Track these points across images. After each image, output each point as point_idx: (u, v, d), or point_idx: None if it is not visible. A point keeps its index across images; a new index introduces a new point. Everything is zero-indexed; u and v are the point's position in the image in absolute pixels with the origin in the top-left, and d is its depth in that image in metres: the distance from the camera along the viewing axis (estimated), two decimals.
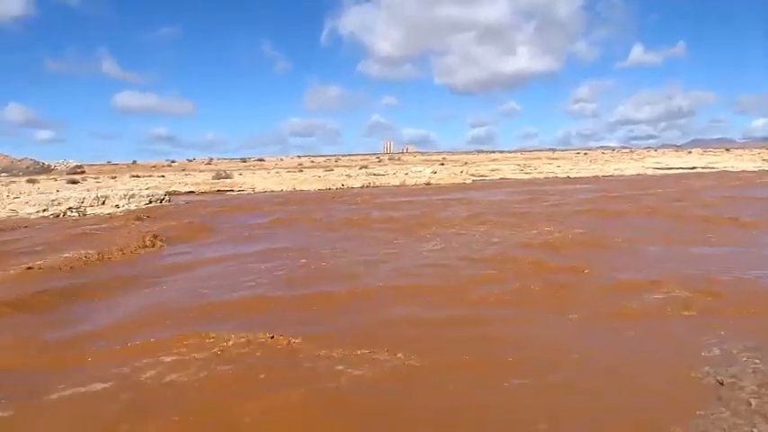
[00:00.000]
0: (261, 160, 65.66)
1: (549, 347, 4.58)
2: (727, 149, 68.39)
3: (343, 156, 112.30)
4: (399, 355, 4.35)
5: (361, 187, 34.06)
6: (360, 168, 45.37)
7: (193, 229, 13.60)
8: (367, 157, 76.77)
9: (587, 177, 40.63)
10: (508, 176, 43.63)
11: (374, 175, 39.11)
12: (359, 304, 5.99)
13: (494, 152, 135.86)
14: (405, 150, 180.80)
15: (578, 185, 29.47)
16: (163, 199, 23.01)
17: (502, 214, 14.01)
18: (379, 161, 60.26)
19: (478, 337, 4.83)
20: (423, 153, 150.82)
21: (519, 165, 56.20)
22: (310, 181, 35.07)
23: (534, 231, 10.96)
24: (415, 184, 36.13)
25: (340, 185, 34.15)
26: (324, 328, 5.10)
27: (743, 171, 44.66)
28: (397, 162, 59.36)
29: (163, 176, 41.65)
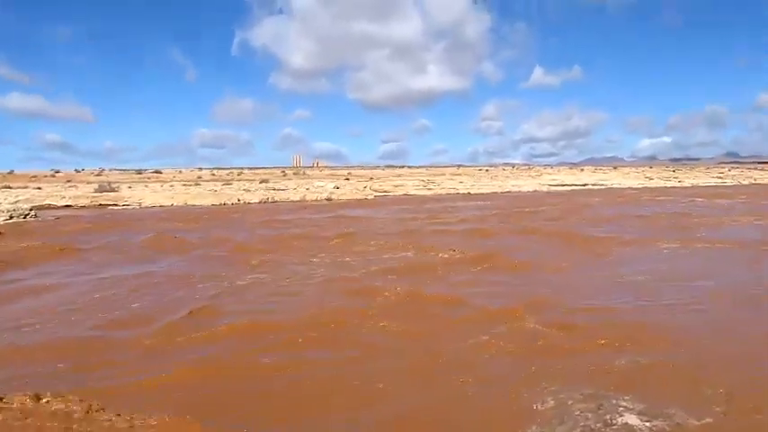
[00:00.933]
0: (158, 172, 62.14)
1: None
2: (615, 167, 73.08)
3: (251, 169, 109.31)
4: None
5: (259, 202, 32.84)
6: (260, 182, 43.92)
7: (45, 251, 12.11)
8: (273, 170, 74.91)
9: (486, 194, 41.59)
10: (411, 192, 43.81)
11: (274, 189, 37.93)
12: (163, 350, 5.16)
13: (403, 167, 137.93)
14: (315, 164, 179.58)
15: (476, 202, 30.03)
16: (28, 214, 20.75)
17: (376, 234, 13.57)
18: (284, 175, 58.92)
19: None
20: (332, 168, 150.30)
21: (423, 181, 56.87)
22: (204, 195, 33.35)
23: (405, 253, 10.58)
24: (316, 200, 35.37)
25: (236, 200, 32.72)
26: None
27: (628, 188, 47.71)
28: (303, 176, 58.35)
29: (39, 188, 38.14)
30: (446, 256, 10.43)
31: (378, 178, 58.69)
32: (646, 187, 49.51)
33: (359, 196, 37.99)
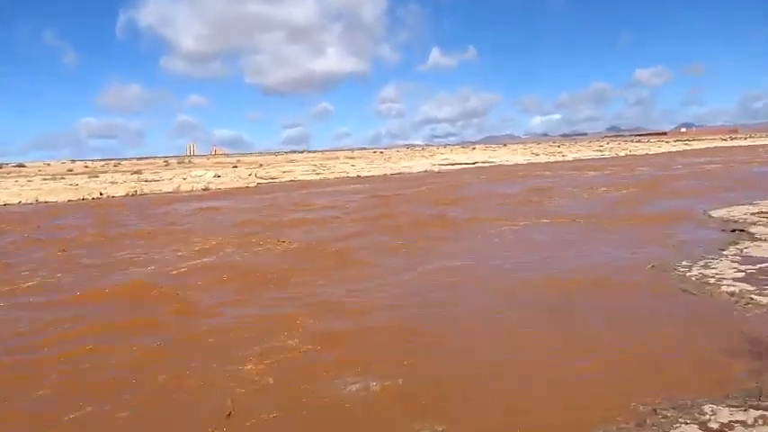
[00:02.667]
0: (21, 165, 56.07)
1: None
2: (505, 145, 75.27)
3: (143, 159, 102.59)
4: None
5: (125, 195, 30.26)
6: (133, 174, 40.71)
7: None
8: (156, 160, 70.24)
9: (376, 176, 41.01)
10: (299, 178, 42.38)
11: (146, 181, 35.16)
12: None
13: (305, 152, 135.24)
14: (213, 152, 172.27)
15: (359, 185, 29.37)
16: None
17: (213, 228, 12.25)
18: (166, 164, 55.32)
19: None
20: (230, 155, 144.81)
21: (315, 165, 55.50)
22: (60, 191, 30.16)
23: (227, 250, 9.40)
24: (192, 190, 33.13)
25: (98, 195, 29.89)
26: None
27: (515, 164, 49.03)
28: (187, 165, 55.05)
29: None
30: (269, 247, 9.39)
31: (269, 164, 56.59)
32: (531, 163, 51.13)
33: (240, 184, 36.09)
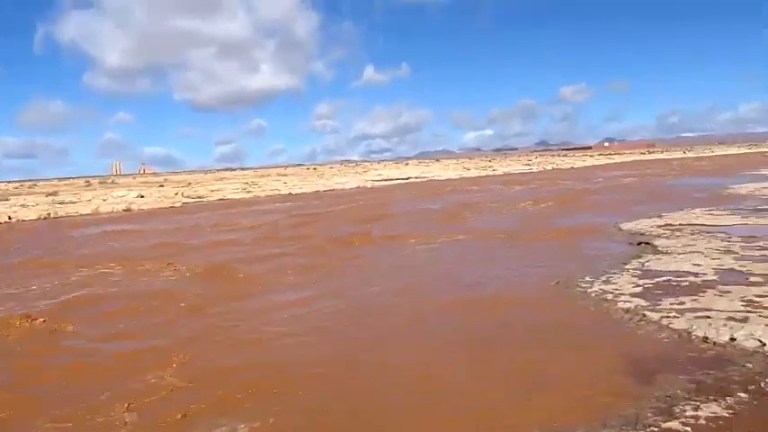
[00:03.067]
0: None
1: None
2: (438, 160, 76.44)
3: (65, 179, 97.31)
4: None
5: (37, 219, 28.39)
6: (48, 195, 38.40)
7: None
8: (75, 181, 66.55)
9: (308, 193, 40.53)
10: (228, 196, 41.25)
11: (62, 203, 33.21)
12: None
13: (238, 170, 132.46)
14: (142, 171, 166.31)
15: (289, 203, 29.01)
16: None
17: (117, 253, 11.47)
18: (88, 185, 52.59)
19: None
20: (159, 174, 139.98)
21: (246, 183, 54.37)
22: None
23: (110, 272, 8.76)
24: (112, 212, 31.55)
25: (5, 219, 27.88)
26: None
27: (448, 179, 49.78)
28: (111, 185, 52.57)
29: None
30: (165, 271, 8.82)
31: (198, 183, 54.92)
32: (463, 177, 52.09)
33: (165, 204, 34.71)
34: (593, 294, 5.99)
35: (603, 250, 8.80)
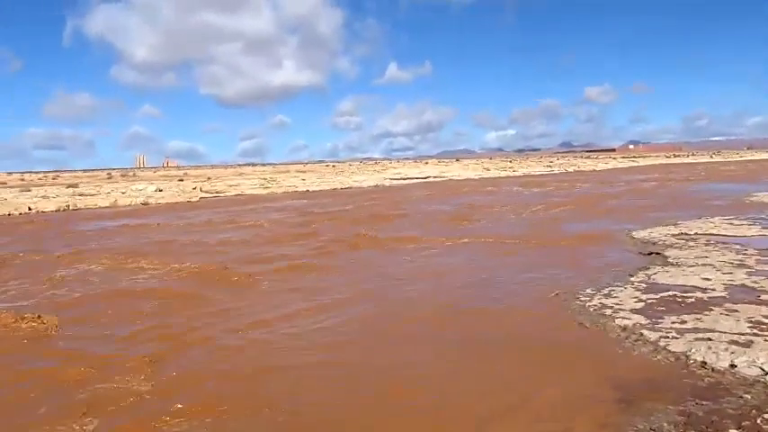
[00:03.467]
0: None
1: None
2: (458, 160, 75.91)
3: (91, 171, 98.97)
4: None
5: (56, 210, 28.84)
6: (68, 187, 38.98)
7: None
8: (98, 173, 67.42)
9: (325, 191, 40.55)
10: (246, 192, 41.46)
11: (81, 195, 33.64)
12: None
13: (263, 165, 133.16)
14: (165, 164, 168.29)
15: (304, 200, 28.97)
16: None
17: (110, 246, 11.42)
18: (109, 177, 53.32)
19: None
20: (183, 167, 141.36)
21: (265, 179, 54.62)
22: None
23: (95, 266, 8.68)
24: (130, 205, 31.95)
25: (26, 210, 28.36)
26: None
27: (466, 179, 49.42)
28: (132, 178, 53.23)
29: None
30: (161, 270, 8.72)
31: (218, 178, 55.30)
32: (483, 178, 51.68)
33: (182, 199, 34.99)
34: (591, 309, 5.69)
35: (611, 260, 8.46)
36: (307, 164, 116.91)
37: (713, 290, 6.17)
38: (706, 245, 9.17)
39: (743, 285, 6.30)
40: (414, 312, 6.03)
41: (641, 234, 10.79)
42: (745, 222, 11.55)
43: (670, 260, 8.07)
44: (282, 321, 5.83)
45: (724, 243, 9.24)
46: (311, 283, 7.68)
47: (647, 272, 7.32)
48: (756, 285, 6.24)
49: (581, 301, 6.03)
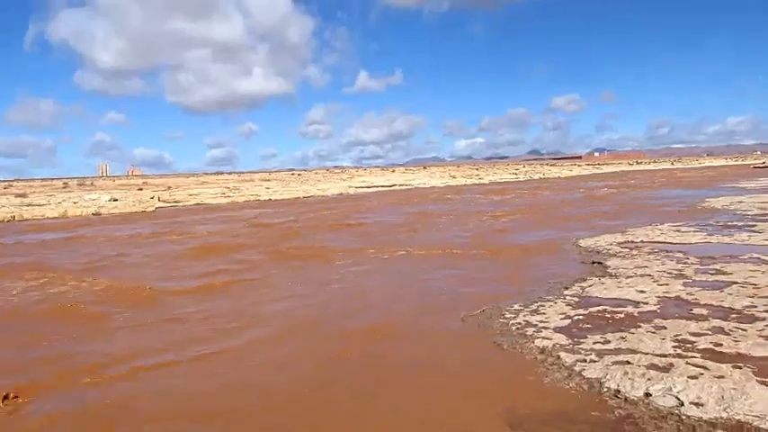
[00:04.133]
0: None
1: None
2: (425, 167, 75.82)
3: (45, 179, 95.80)
4: None
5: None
6: (16, 197, 37.39)
7: None
8: (54, 182, 65.08)
9: (287, 199, 39.87)
10: (206, 201, 40.47)
11: (29, 205, 32.27)
12: None
13: (231, 174, 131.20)
14: (130, 173, 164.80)
15: (260, 209, 28.33)
16: None
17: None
18: (65, 186, 51.51)
19: None
20: (147, 176, 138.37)
21: (228, 188, 53.64)
22: None
23: None
24: (81, 215, 30.75)
25: None
26: None
27: (432, 187, 49.30)
28: (89, 187, 51.49)
29: None
30: (75, 285, 8.01)
31: (179, 187, 53.99)
32: (448, 185, 51.67)
33: (137, 209, 33.92)
34: (514, 328, 5.25)
35: (550, 271, 8.07)
36: (272, 173, 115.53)
37: (646, 303, 5.79)
38: (649, 253, 8.87)
39: (677, 298, 5.94)
40: (301, 337, 5.50)
41: (588, 242, 10.48)
42: (692, 229, 11.35)
43: (609, 270, 7.72)
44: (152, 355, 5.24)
45: (667, 251, 8.96)
46: (200, 309, 7.09)
47: (583, 284, 6.93)
48: (690, 297, 5.89)
49: (505, 318, 5.59)
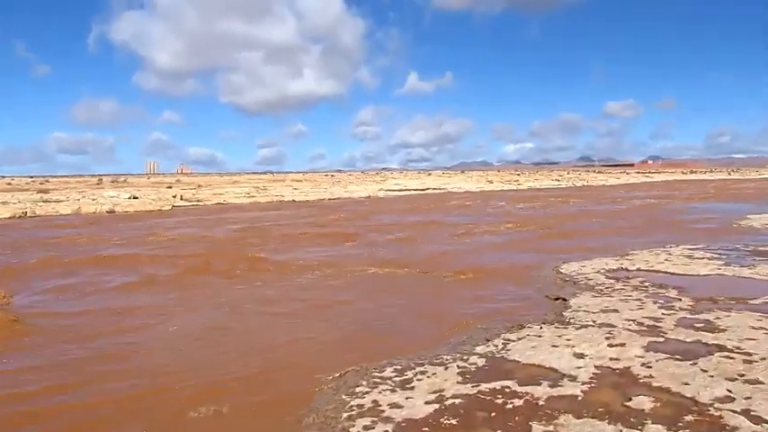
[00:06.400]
0: None
1: None
2: (462, 171, 73.61)
3: (107, 176, 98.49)
4: None
5: (10, 218, 27.44)
6: (38, 193, 37.65)
7: None
8: (89, 179, 65.98)
9: (310, 201, 38.92)
10: (229, 201, 39.91)
11: (44, 202, 32.24)
12: None
13: (276, 173, 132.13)
14: (180, 170, 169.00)
15: (276, 211, 27.41)
16: None
17: None
18: (99, 183, 51.97)
19: None
20: (196, 175, 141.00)
21: (256, 187, 53.23)
22: None
23: None
24: (95, 212, 30.50)
25: None
26: None
27: (466, 191, 47.47)
28: (121, 184, 51.84)
29: None
30: None
31: (208, 185, 53.84)
32: (483, 191, 49.67)
33: (153, 207, 33.57)
34: (345, 415, 3.50)
35: (492, 306, 6.23)
36: (329, 172, 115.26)
37: (572, 380, 3.91)
38: (635, 288, 6.85)
39: (622, 373, 4.02)
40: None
41: (571, 268, 8.49)
42: (708, 255, 9.15)
43: (566, 313, 5.79)
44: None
45: (661, 286, 6.92)
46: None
47: (511, 335, 5.05)
48: (642, 374, 3.96)
49: (356, 391, 3.84)
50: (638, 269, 8.17)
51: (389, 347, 4.85)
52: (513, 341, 4.86)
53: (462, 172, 79.28)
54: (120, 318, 6.18)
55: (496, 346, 4.73)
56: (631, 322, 5.28)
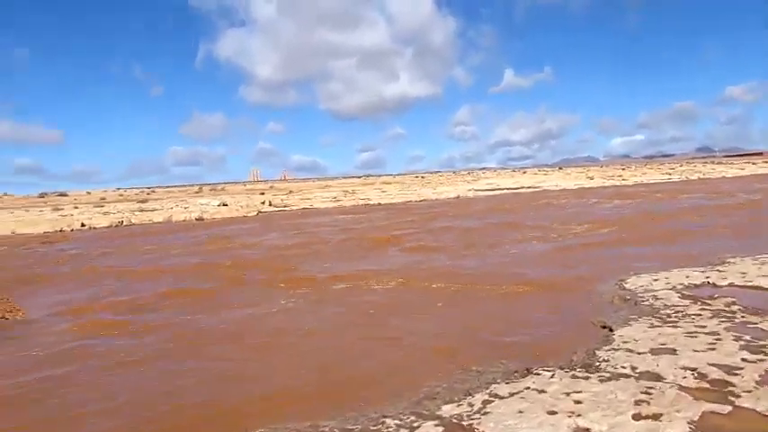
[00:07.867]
0: (63, 194, 56.34)
1: None
2: (560, 168, 69.70)
3: (217, 184, 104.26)
4: None
5: (108, 227, 29.10)
6: (138, 202, 39.82)
7: None
8: (189, 188, 69.21)
9: (396, 204, 38.32)
10: (315, 206, 40.23)
11: (140, 211, 33.94)
12: None
13: (380, 176, 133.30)
14: (283, 177, 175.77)
15: (352, 215, 27.04)
16: None
17: None
18: (199, 191, 54.55)
19: None
20: (299, 180, 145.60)
21: (345, 191, 53.44)
22: (38, 222, 29.34)
23: None
24: (184, 220, 31.66)
25: (78, 225, 28.86)
26: None
27: (563, 190, 44.74)
28: (220, 192, 54.03)
29: None
30: None
31: (300, 191, 54.82)
32: (582, 188, 46.52)
33: (240, 213, 34.48)
34: None
35: (518, 339, 4.83)
36: (428, 174, 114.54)
37: None
38: (715, 314, 5.10)
39: None
40: None
41: (639, 282, 6.78)
42: None
43: (600, 352, 4.27)
44: None
45: (754, 311, 5.13)
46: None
47: (502, 387, 3.66)
48: None
49: None
50: (730, 284, 6.31)
51: (352, 397, 3.66)
52: (501, 398, 3.48)
53: (560, 168, 75.08)
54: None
55: (471, 406, 3.38)
56: (690, 373, 3.69)
